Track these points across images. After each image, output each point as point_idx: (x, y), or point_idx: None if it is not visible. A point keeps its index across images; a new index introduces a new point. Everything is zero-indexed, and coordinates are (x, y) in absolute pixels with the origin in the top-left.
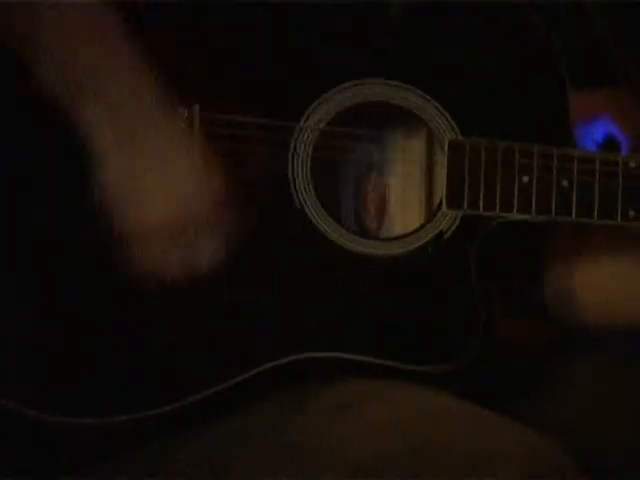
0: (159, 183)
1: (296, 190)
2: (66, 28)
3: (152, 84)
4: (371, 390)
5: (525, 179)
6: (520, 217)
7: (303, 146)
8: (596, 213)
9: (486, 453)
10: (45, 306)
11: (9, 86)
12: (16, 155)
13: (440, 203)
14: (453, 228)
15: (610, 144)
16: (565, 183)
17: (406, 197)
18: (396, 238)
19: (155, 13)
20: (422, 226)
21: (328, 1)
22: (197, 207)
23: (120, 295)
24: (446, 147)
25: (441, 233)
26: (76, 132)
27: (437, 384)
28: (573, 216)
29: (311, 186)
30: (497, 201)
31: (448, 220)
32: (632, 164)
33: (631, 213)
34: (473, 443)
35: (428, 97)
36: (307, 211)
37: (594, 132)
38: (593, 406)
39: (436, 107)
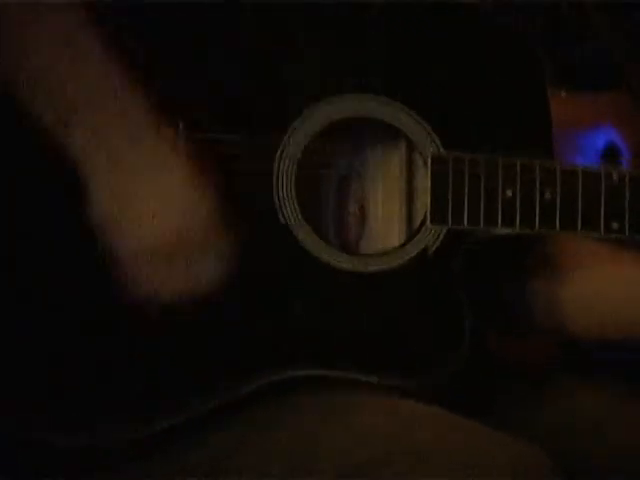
0: (150, 205)
1: (280, 206)
2: (50, 57)
3: (138, 107)
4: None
5: (509, 193)
6: (504, 231)
7: (287, 163)
8: (579, 225)
9: (470, 461)
10: (42, 328)
11: None
12: (7, 181)
13: (424, 219)
14: (437, 243)
15: (611, 152)
16: (548, 196)
17: (388, 213)
18: (380, 254)
19: (137, 34)
20: (406, 242)
21: (308, 14)
22: (188, 229)
23: (118, 316)
24: (429, 161)
25: (425, 249)
26: (67, 158)
27: (422, 397)
28: (557, 228)
29: (295, 202)
30: (481, 215)
31: (432, 235)
32: (615, 176)
33: (614, 225)
34: (457, 451)
35: (409, 110)
36: (292, 227)
37: (595, 140)
38: (581, 417)
39: (417, 121)
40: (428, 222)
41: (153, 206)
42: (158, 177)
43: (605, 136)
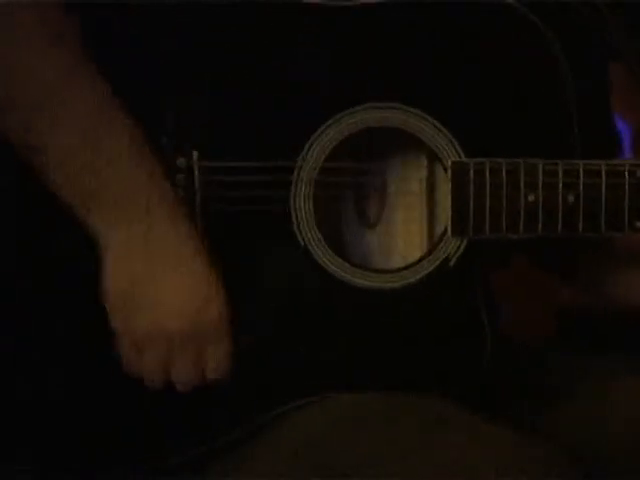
0: (166, 293)
1: (299, 229)
2: (76, 141)
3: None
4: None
5: (531, 198)
6: (526, 236)
7: (303, 184)
8: (603, 226)
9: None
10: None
11: (23, 191)
12: (26, 252)
13: (445, 230)
14: (458, 254)
15: None
16: (571, 198)
17: (409, 227)
18: (401, 269)
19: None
20: (427, 255)
21: (322, 25)
22: (203, 320)
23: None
24: (449, 169)
25: (447, 260)
26: (85, 234)
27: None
28: (580, 230)
29: (314, 223)
30: (503, 223)
31: (453, 246)
32: (639, 173)
33: (638, 224)
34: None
35: (428, 118)
36: (311, 249)
37: None
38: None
39: (437, 128)
40: (449, 233)
41: (163, 298)
42: (178, 265)
43: None
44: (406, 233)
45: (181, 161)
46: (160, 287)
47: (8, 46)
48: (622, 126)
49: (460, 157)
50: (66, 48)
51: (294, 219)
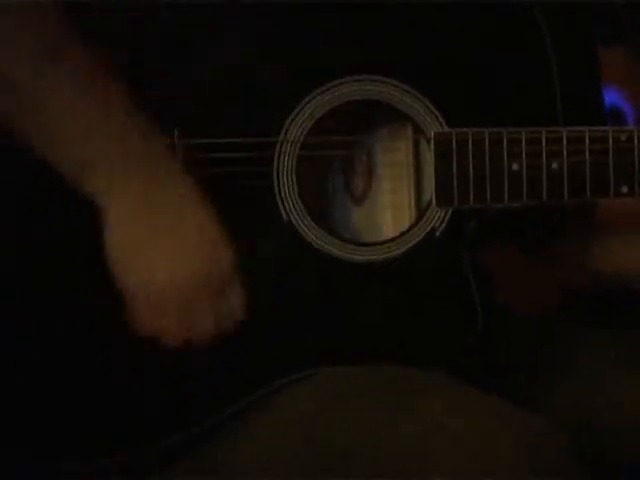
0: (169, 250)
1: (283, 204)
2: (70, 110)
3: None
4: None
5: (515, 167)
6: (511, 205)
7: (286, 159)
8: (588, 192)
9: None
10: (55, 357)
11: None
12: (27, 220)
13: (430, 201)
14: (444, 225)
15: (615, 115)
16: (555, 166)
17: (395, 199)
18: (388, 241)
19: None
20: (412, 226)
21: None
22: (206, 276)
23: (131, 347)
24: (432, 140)
25: (432, 231)
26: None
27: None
28: (565, 197)
29: (297, 198)
30: (487, 193)
31: (439, 217)
32: (623, 137)
33: (624, 188)
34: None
35: (411, 90)
36: (295, 223)
37: None
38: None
39: (419, 99)
40: (434, 204)
41: (172, 251)
42: (182, 215)
43: (608, 98)
44: (393, 205)
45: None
46: (167, 239)
47: None
48: (627, 107)
49: (443, 128)
50: (54, 22)
51: (277, 194)
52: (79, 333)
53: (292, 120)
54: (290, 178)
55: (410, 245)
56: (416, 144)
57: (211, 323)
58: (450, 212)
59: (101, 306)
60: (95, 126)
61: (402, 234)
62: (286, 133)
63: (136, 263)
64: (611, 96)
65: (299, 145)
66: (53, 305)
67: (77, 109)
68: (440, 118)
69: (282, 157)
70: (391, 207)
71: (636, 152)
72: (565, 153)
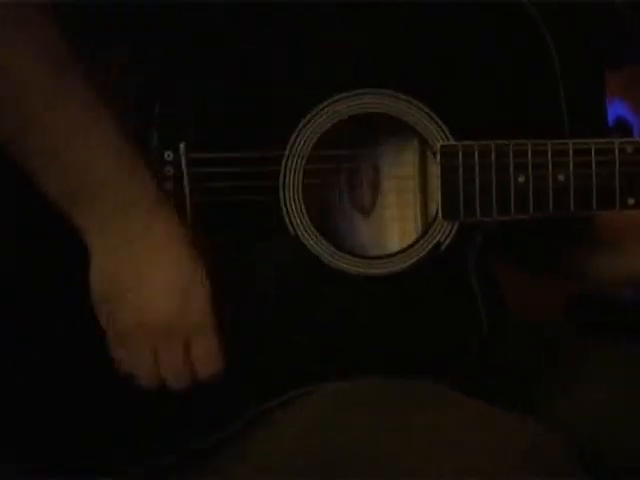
0: (150, 285)
1: (289, 218)
2: (61, 141)
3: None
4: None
5: (521, 179)
6: (517, 217)
7: (292, 174)
8: (594, 204)
9: (488, 446)
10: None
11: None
12: (15, 251)
13: (436, 214)
14: (450, 238)
15: (621, 126)
16: (561, 177)
17: (402, 212)
18: (393, 255)
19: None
20: (418, 240)
21: (310, 13)
22: (187, 311)
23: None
24: (438, 153)
25: (438, 244)
26: (73, 232)
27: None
28: (571, 209)
29: (304, 212)
30: (494, 206)
31: (444, 231)
32: (629, 149)
33: (630, 201)
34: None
35: (417, 102)
36: (301, 237)
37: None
38: (600, 405)
39: (425, 112)
40: (440, 217)
41: (142, 295)
42: (160, 260)
43: (615, 111)
44: (400, 218)
45: (168, 154)
46: (143, 283)
47: None
48: (632, 118)
49: (449, 141)
50: (50, 49)
51: (284, 208)
52: (79, 347)
53: (298, 134)
54: (296, 192)
55: (416, 259)
56: (422, 157)
57: (179, 369)
58: (456, 226)
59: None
60: (86, 159)
61: (408, 247)
62: (292, 147)
63: (110, 302)
64: (617, 108)
65: (305, 159)
66: (53, 311)
67: (70, 139)
68: (446, 130)
69: (288, 171)
70: (397, 220)
71: None
72: (571, 165)
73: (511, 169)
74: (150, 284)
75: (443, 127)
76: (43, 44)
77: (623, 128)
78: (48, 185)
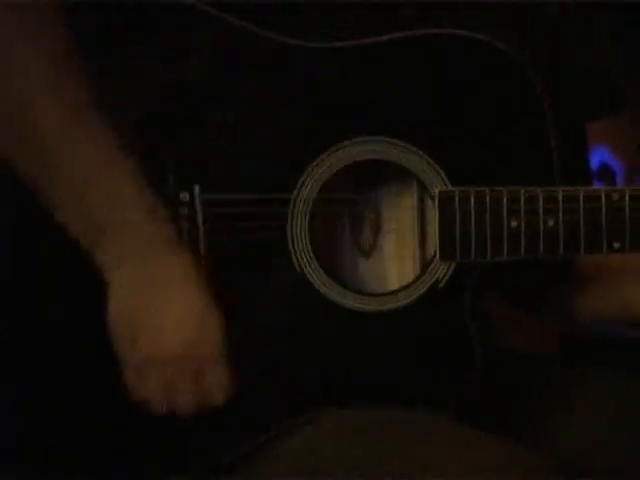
0: (165, 318)
1: (296, 257)
2: (82, 181)
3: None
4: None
5: (513, 223)
6: (510, 259)
7: (299, 216)
8: (582, 248)
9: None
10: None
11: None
12: (34, 286)
13: (434, 255)
14: (447, 276)
15: (605, 172)
16: (551, 222)
17: (401, 252)
18: (394, 292)
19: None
20: (417, 278)
21: (314, 58)
22: (201, 343)
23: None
24: (436, 198)
25: (436, 282)
26: (90, 266)
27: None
28: (561, 252)
29: (310, 250)
30: (488, 248)
31: (442, 270)
32: (615, 197)
33: (616, 245)
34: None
35: (415, 150)
36: (308, 275)
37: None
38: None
39: (423, 159)
40: (438, 258)
41: (157, 329)
42: (176, 296)
43: (599, 157)
44: (399, 258)
45: (184, 195)
46: (159, 317)
47: (10, 90)
48: (615, 164)
49: (446, 186)
50: (68, 93)
51: (291, 248)
52: (98, 366)
53: (305, 179)
54: (303, 233)
55: (415, 296)
56: (421, 201)
57: (190, 399)
58: (453, 265)
59: None
60: (106, 198)
61: (408, 285)
62: (299, 191)
63: (127, 334)
64: (601, 155)
65: (311, 202)
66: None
67: (90, 179)
68: (443, 176)
69: (296, 213)
70: (397, 260)
71: (627, 210)
72: (561, 211)
73: (504, 214)
74: (166, 317)
75: (441, 173)
76: (61, 89)
77: (607, 174)
78: (70, 223)
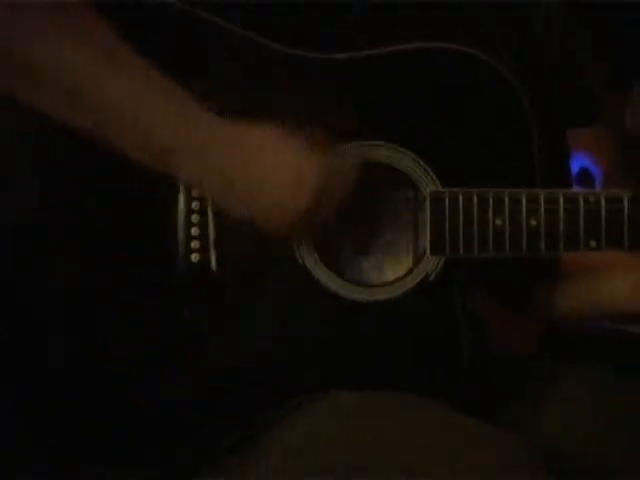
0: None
1: (299, 249)
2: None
3: None
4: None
5: (498, 222)
6: (496, 255)
7: None
8: (562, 246)
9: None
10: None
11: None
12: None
13: (425, 250)
14: (437, 270)
15: (584, 177)
16: (533, 222)
17: (395, 248)
18: (388, 284)
19: None
20: (409, 272)
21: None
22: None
23: None
24: (427, 198)
25: (426, 276)
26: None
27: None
28: (542, 250)
29: (311, 244)
30: (475, 244)
31: (432, 264)
32: (591, 199)
33: (592, 243)
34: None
35: (409, 153)
36: (309, 267)
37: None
38: (578, 420)
39: (416, 161)
40: (428, 253)
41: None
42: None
43: (579, 163)
44: (393, 253)
45: (196, 204)
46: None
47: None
48: (594, 169)
49: (437, 187)
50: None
51: (295, 246)
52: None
53: None
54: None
55: (408, 288)
56: (414, 201)
57: None
58: (443, 260)
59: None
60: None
61: (401, 278)
62: None
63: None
64: (582, 161)
65: None
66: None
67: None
68: (434, 177)
69: None
70: (391, 254)
71: (603, 212)
72: (542, 211)
73: (490, 213)
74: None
75: (432, 174)
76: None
77: (587, 179)
78: (141, 158)
